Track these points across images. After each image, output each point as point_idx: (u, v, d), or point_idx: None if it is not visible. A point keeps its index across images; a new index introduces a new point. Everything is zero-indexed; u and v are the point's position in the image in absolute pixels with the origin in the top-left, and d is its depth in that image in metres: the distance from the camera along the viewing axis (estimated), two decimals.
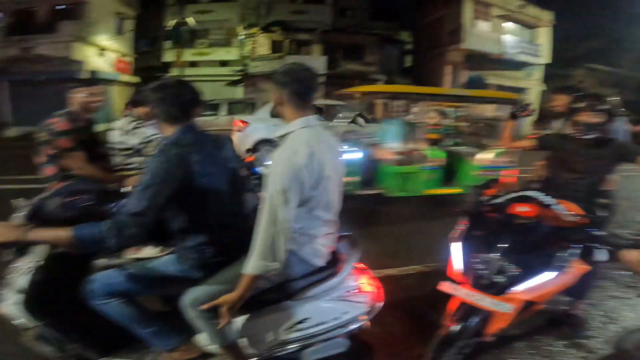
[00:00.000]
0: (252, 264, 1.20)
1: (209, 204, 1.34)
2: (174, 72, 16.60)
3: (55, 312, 1.47)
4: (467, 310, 1.66)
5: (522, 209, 1.71)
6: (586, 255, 1.79)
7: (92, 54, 15.31)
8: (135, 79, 16.83)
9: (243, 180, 1.57)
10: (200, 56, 18.01)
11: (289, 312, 1.46)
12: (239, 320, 1.42)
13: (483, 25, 16.68)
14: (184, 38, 16.95)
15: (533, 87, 18.42)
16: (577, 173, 2.03)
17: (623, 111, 2.68)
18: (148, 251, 1.95)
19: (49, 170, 2.21)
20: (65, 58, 14.16)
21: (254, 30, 17.88)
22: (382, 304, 1.58)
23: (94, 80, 2.32)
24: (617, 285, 2.74)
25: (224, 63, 18.11)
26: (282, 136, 1.32)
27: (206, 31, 18.26)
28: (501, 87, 17.77)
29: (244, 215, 1.48)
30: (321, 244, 1.42)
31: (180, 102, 1.32)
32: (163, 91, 1.31)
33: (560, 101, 2.53)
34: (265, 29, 17.98)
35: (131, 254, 2.09)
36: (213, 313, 1.29)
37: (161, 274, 1.42)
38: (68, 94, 2.24)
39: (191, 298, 1.32)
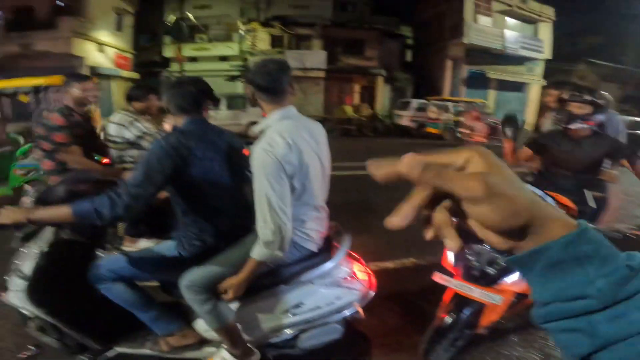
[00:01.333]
0: (259, 251, 1.26)
1: (210, 191, 1.39)
2: (173, 67, 16.59)
3: (57, 300, 1.50)
4: (460, 302, 1.66)
5: None
6: None
7: (92, 50, 15.25)
8: (134, 75, 16.79)
9: (244, 171, 1.60)
10: (200, 51, 17.86)
11: (283, 296, 1.47)
12: (234, 306, 1.45)
13: (484, 20, 16.59)
14: (184, 33, 16.82)
15: (534, 82, 18.37)
16: (570, 166, 2.05)
17: (618, 105, 2.68)
18: (144, 243, 1.95)
19: (46, 165, 2.22)
20: (66, 54, 14.13)
21: (253, 25, 17.80)
22: (374, 291, 1.59)
23: (87, 75, 2.51)
24: None
25: (223, 58, 18.00)
26: (261, 131, 1.35)
27: (206, 26, 18.14)
28: (502, 82, 17.75)
29: (245, 203, 1.51)
30: (311, 229, 1.45)
31: (191, 96, 1.41)
32: (179, 86, 1.42)
33: (552, 96, 2.55)
34: (265, 23, 17.91)
35: (128, 245, 2.12)
36: (209, 295, 1.35)
37: (160, 259, 1.47)
38: (63, 89, 2.27)
39: (188, 280, 1.36)
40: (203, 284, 1.36)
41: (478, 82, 17.25)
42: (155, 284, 1.67)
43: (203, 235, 1.42)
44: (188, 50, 17.16)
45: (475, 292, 1.59)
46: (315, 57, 17.39)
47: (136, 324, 1.53)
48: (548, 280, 0.30)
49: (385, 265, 2.89)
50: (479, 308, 1.67)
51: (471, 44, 16.12)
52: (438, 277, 1.69)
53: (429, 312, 1.78)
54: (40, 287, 1.46)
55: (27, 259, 1.47)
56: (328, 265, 1.49)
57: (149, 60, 18.27)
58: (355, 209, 4.19)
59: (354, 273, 1.59)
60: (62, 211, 1.18)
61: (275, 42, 18.34)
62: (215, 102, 1.52)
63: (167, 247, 1.48)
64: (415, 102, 13.87)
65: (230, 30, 18.23)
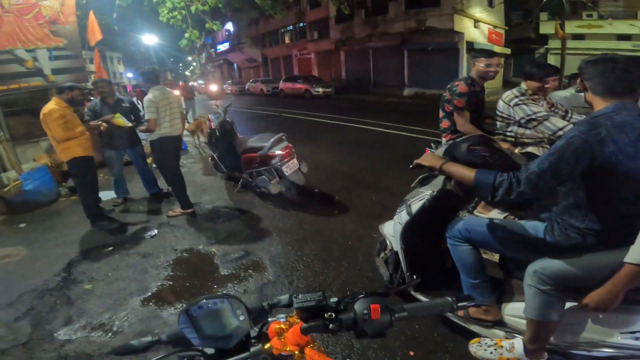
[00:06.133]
0: (636, 253, 1.10)
1: (625, 193, 1.20)
2: (551, 44, 15.69)
3: (417, 240, 1.72)
4: None
5: None
6: None
7: (468, 26, 16.32)
8: (506, 51, 16.91)
9: None
10: (588, 29, 15.71)
11: (636, 316, 1.27)
12: (568, 305, 1.32)
13: None
14: (565, 10, 15.24)
15: None
16: None
17: None
18: (494, 214, 2.04)
19: (445, 124, 2.61)
20: (448, 30, 15.82)
21: None
22: None
23: (494, 52, 2.57)
24: None
25: (623, 37, 14.86)
26: None
27: (595, 2, 15.59)
28: None
29: None
30: None
31: (627, 78, 1.21)
32: (608, 64, 1.23)
33: None
34: None
35: (480, 212, 2.35)
36: (554, 289, 1.27)
37: (521, 235, 1.42)
38: (471, 62, 2.45)
39: (540, 266, 1.31)
40: (555, 277, 1.28)
41: None
42: (494, 257, 1.77)
43: (586, 232, 1.28)
44: (571, 27, 15.53)
45: None
46: None
47: (449, 282, 1.70)
48: None
49: None
50: None
51: None
52: None
53: None
54: (415, 225, 1.68)
55: (419, 199, 1.68)
56: None
57: (521, 37, 18.01)
58: None
59: None
60: (467, 173, 1.30)
61: None
62: None
63: (533, 226, 1.42)
64: None
65: (632, 7, 14.65)
